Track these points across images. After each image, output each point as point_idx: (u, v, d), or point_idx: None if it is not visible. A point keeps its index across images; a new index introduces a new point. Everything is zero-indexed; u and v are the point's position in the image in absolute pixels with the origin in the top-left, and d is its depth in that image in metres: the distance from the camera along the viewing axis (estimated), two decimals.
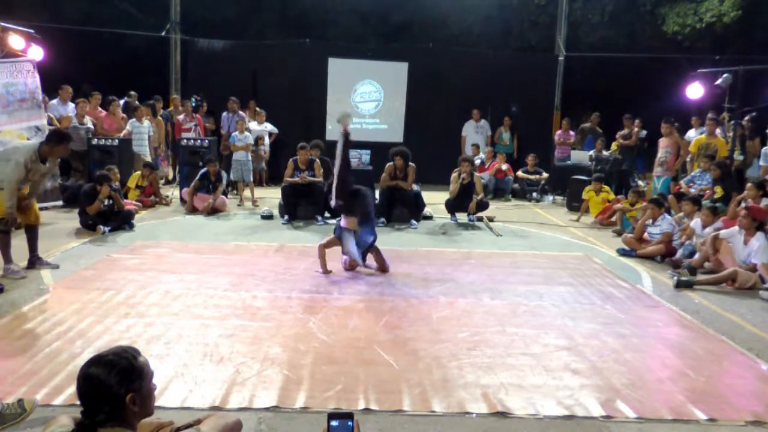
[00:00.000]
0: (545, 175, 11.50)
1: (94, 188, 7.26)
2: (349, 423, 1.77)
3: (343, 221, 5.69)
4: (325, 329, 4.26)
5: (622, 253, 7.01)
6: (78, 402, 1.82)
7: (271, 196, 9.90)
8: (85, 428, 1.80)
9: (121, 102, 10.96)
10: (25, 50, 8.41)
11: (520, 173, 11.57)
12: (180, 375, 3.45)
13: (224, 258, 6.18)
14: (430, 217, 8.94)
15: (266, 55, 12.74)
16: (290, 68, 12.44)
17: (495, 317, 4.64)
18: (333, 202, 5.89)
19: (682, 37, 13.82)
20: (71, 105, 9.73)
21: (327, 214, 8.40)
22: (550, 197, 11.35)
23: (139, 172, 9.24)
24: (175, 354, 3.75)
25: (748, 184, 7.29)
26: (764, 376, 3.76)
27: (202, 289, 5.05)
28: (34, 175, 5.25)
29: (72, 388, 3.09)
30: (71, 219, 7.67)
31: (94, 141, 9.38)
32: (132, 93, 11.42)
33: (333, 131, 12.58)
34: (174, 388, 3.28)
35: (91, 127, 9.68)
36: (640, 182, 10.94)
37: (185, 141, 9.89)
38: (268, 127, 11.63)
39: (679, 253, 6.63)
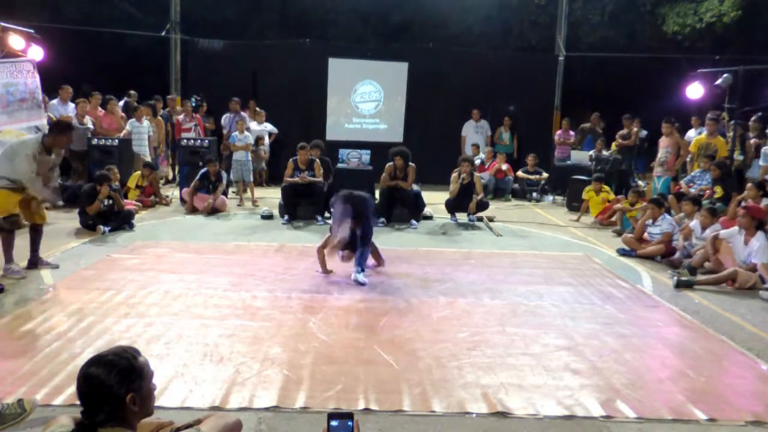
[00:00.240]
0: (545, 175, 11.50)
1: (94, 188, 7.26)
2: (349, 423, 1.77)
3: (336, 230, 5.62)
4: (325, 329, 4.26)
5: (622, 253, 7.01)
6: (78, 402, 1.83)
7: (271, 196, 9.90)
8: (85, 428, 1.80)
9: (122, 102, 10.97)
10: (25, 50, 8.40)
11: (520, 173, 11.56)
12: (180, 375, 3.45)
13: (224, 258, 6.18)
14: (430, 217, 8.94)
15: (266, 55, 12.74)
16: (290, 68, 12.43)
17: (495, 317, 4.64)
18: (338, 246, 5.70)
19: (682, 37, 13.82)
20: (71, 105, 9.73)
21: (327, 214, 8.40)
22: (550, 197, 11.35)
23: (139, 172, 9.25)
24: (175, 354, 3.75)
25: (748, 185, 7.30)
26: (764, 376, 3.76)
27: (202, 289, 5.05)
28: (42, 168, 5.27)
29: (72, 388, 3.09)
30: (71, 219, 7.67)
31: (94, 141, 9.38)
32: (132, 92, 11.42)
33: (333, 131, 12.61)
34: (174, 388, 3.28)
35: (91, 127, 9.68)
36: (640, 182, 10.94)
37: (185, 141, 9.89)
38: (268, 127, 11.64)
39: (679, 253, 6.63)
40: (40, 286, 5.05)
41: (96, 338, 3.95)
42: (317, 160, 8.69)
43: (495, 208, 9.79)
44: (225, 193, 9.33)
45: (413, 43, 14.90)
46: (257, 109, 11.60)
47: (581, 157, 11.20)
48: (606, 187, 9.34)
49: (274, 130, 11.76)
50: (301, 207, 8.49)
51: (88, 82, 13.23)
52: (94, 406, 1.79)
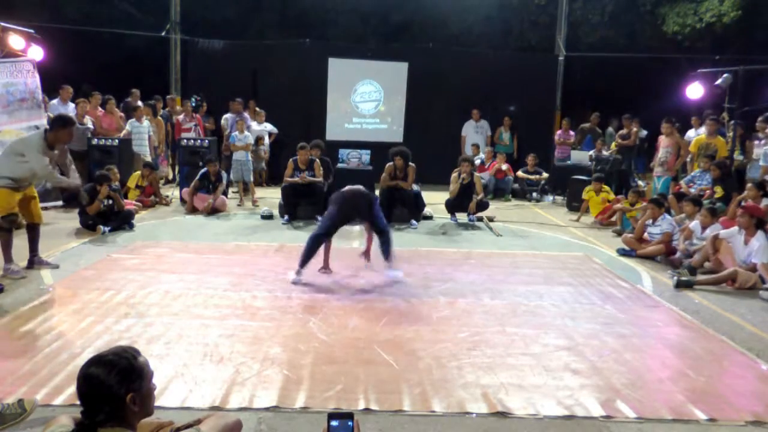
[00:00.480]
0: (545, 175, 11.50)
1: (94, 188, 7.26)
2: (349, 423, 1.77)
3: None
4: (325, 329, 4.26)
5: (622, 253, 7.01)
6: (78, 402, 1.82)
7: (271, 196, 9.90)
8: (85, 428, 1.80)
9: (130, 101, 10.94)
10: (25, 50, 8.41)
11: (520, 173, 11.56)
12: (180, 375, 3.45)
13: (224, 258, 6.18)
14: (430, 217, 8.94)
15: (266, 55, 12.74)
16: (290, 68, 12.44)
17: (495, 317, 4.64)
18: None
19: (682, 37, 13.82)
20: (71, 105, 9.73)
21: None
22: (550, 197, 11.35)
23: (139, 172, 9.25)
24: (175, 354, 3.74)
25: (748, 185, 7.29)
26: (764, 376, 3.76)
27: (202, 289, 5.05)
28: (50, 162, 5.29)
29: (72, 388, 3.09)
30: (71, 219, 7.67)
31: (94, 141, 9.38)
32: (134, 91, 11.39)
33: (333, 131, 12.60)
34: (174, 388, 3.28)
35: (91, 127, 9.68)
36: (640, 182, 10.94)
37: (185, 141, 9.90)
38: (268, 127, 11.64)
39: (680, 254, 6.62)
40: (40, 286, 5.05)
41: (96, 338, 3.95)
42: (317, 160, 8.69)
43: (495, 208, 9.79)
44: (225, 193, 9.33)
45: (413, 43, 14.90)
46: (257, 109, 11.60)
47: (581, 157, 11.20)
48: (606, 187, 9.34)
49: (274, 130, 11.76)
50: (301, 207, 8.49)
51: (88, 82, 13.24)
52: (94, 406, 1.79)
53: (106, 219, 7.26)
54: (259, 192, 10.33)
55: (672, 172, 9.21)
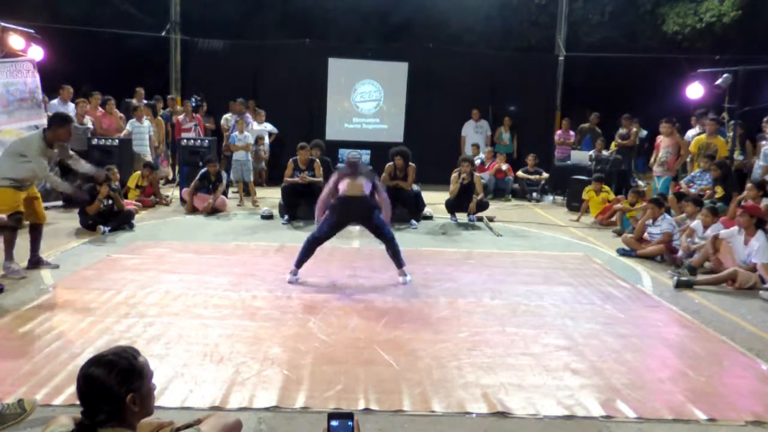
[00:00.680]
0: (545, 175, 11.50)
1: (94, 188, 7.26)
2: (349, 423, 1.77)
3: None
4: (325, 329, 4.26)
5: (622, 253, 7.01)
6: (78, 402, 1.82)
7: (271, 196, 9.90)
8: (85, 428, 1.80)
9: (133, 101, 10.92)
10: (25, 50, 8.41)
11: (520, 173, 11.56)
12: (180, 375, 3.45)
13: (224, 258, 6.18)
14: (430, 217, 8.94)
15: (266, 55, 12.75)
16: (290, 68, 12.44)
17: (495, 317, 4.64)
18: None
19: (682, 37, 13.81)
20: (71, 105, 9.73)
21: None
22: (550, 197, 11.36)
23: (139, 172, 9.25)
24: (175, 354, 3.75)
25: (748, 185, 7.29)
26: (764, 376, 3.76)
27: (202, 289, 5.05)
28: (50, 162, 5.30)
29: (72, 388, 3.09)
30: (71, 219, 7.67)
31: (94, 141, 9.38)
32: (139, 90, 11.34)
33: (333, 131, 12.60)
34: (174, 388, 3.28)
35: (91, 127, 9.69)
36: (640, 182, 10.94)
37: (185, 141, 9.90)
38: (268, 127, 11.64)
39: (682, 253, 6.62)
40: (40, 286, 5.05)
41: (96, 338, 3.95)
42: (317, 160, 8.70)
43: (495, 208, 9.79)
44: (225, 193, 9.33)
45: (413, 43, 14.89)
46: (257, 109, 11.60)
47: (581, 157, 11.20)
48: (606, 187, 9.34)
49: (274, 130, 11.76)
50: (301, 207, 8.48)
51: (88, 82, 13.22)
52: (94, 406, 1.79)
53: (106, 219, 7.26)
54: (259, 192, 10.33)
55: (672, 172, 9.21)
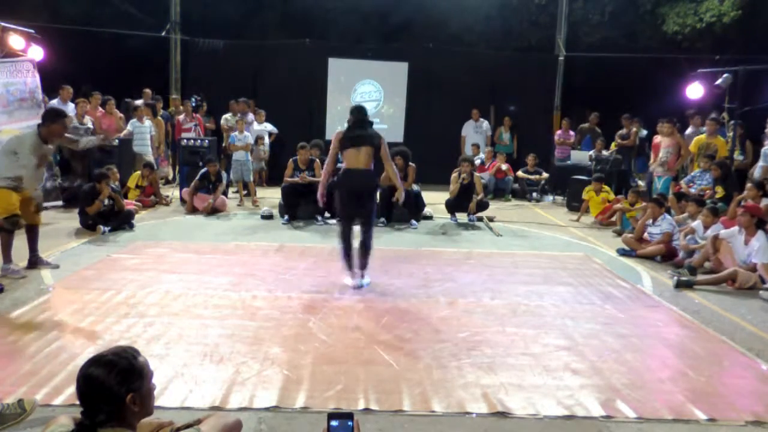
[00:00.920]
0: (545, 175, 11.50)
1: (94, 188, 7.26)
2: (349, 423, 1.77)
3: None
4: (325, 329, 4.26)
5: (622, 253, 7.01)
6: (78, 402, 1.82)
7: (271, 196, 9.90)
8: (85, 428, 1.80)
9: (138, 102, 10.92)
10: (25, 50, 8.41)
11: (520, 173, 11.57)
12: (180, 375, 3.44)
13: (224, 258, 6.18)
14: (430, 217, 8.94)
15: (266, 55, 12.75)
16: (290, 68, 12.44)
17: (495, 317, 4.64)
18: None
19: (682, 37, 13.80)
20: (71, 105, 9.73)
21: (327, 214, 8.39)
22: (550, 197, 11.36)
23: (139, 172, 9.25)
24: (175, 354, 3.74)
25: (748, 185, 7.29)
26: (764, 376, 3.76)
27: (202, 289, 5.05)
28: (42, 160, 5.29)
29: (72, 388, 3.08)
30: (71, 219, 7.67)
31: None
32: (146, 91, 11.31)
33: (333, 131, 12.57)
34: (174, 388, 3.28)
35: (91, 127, 9.67)
36: (640, 182, 10.94)
37: (185, 141, 9.90)
38: (268, 127, 11.65)
39: (682, 253, 6.62)
40: (40, 286, 5.05)
41: (96, 338, 3.95)
42: (317, 160, 8.70)
43: (495, 208, 9.79)
44: (225, 193, 9.33)
45: (413, 43, 14.89)
46: (257, 109, 11.60)
47: (581, 157, 11.20)
48: (606, 187, 9.34)
49: (274, 130, 11.76)
50: (301, 207, 8.48)
51: (88, 82, 13.21)
52: (94, 407, 1.79)
53: (106, 219, 7.26)
54: (259, 192, 10.33)
55: (672, 172, 9.20)
